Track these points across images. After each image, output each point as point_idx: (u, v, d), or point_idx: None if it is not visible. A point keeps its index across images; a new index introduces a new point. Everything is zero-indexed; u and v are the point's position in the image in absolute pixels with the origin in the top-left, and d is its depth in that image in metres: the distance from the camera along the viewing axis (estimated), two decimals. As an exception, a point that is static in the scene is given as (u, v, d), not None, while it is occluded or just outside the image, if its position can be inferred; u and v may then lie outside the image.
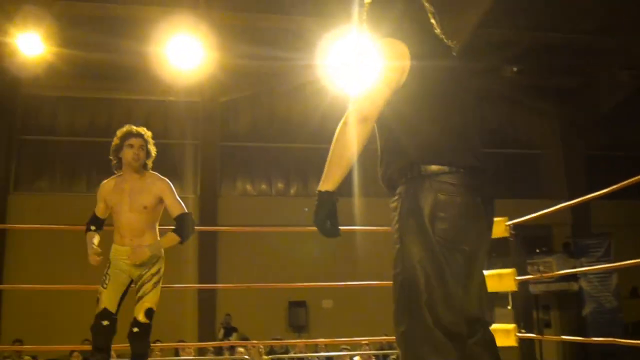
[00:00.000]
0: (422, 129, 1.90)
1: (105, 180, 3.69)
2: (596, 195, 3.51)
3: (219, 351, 8.78)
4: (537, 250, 11.01)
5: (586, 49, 10.65)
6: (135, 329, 3.24)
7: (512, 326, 3.76)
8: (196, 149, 11.83)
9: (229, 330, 10.54)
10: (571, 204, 4.25)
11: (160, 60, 9.54)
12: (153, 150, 3.62)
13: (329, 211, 1.92)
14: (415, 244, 1.82)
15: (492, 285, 3.92)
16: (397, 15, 2.06)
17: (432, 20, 2.08)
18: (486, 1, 8.71)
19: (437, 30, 2.08)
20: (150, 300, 3.31)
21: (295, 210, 11.33)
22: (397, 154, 1.94)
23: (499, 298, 4.36)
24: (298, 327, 11.14)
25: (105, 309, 3.30)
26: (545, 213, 4.03)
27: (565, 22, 9.81)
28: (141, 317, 3.26)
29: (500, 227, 3.84)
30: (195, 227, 3.77)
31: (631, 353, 8.61)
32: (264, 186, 12.22)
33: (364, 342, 8.59)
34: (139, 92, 11.69)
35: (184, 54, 9.35)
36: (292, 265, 10.63)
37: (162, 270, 3.46)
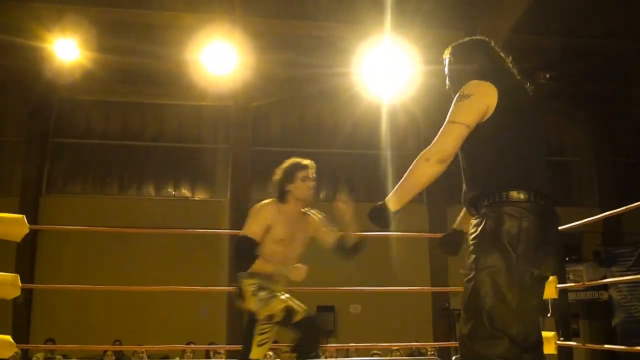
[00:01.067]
0: (508, 158, 2.09)
1: (264, 204, 3.43)
2: (632, 207, 3.50)
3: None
4: (567, 259, 10.93)
5: (619, 55, 10.55)
6: None
7: (552, 334, 3.76)
8: (228, 153, 11.97)
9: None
10: (608, 215, 4.22)
11: (194, 65, 9.69)
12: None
13: (384, 224, 2.26)
14: (491, 257, 1.98)
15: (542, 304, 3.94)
16: (480, 59, 2.33)
17: (510, 65, 2.36)
18: (520, 6, 8.68)
19: (515, 72, 2.35)
20: None
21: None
22: (483, 179, 2.12)
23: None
24: (327, 332, 11.17)
25: (288, 306, 3.27)
26: (583, 223, 4.02)
27: (598, 27, 9.75)
28: None
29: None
30: (236, 231, 3.79)
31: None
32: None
33: (395, 347, 8.59)
34: (172, 97, 11.87)
35: (218, 60, 9.48)
36: (319, 269, 10.66)
37: None
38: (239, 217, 11.39)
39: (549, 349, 3.78)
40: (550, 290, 3.78)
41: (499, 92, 2.11)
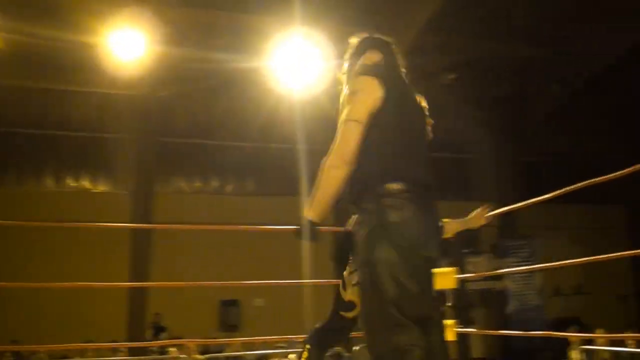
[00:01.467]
0: (384, 151, 2.18)
1: None
2: (526, 204, 3.74)
3: (143, 351, 8.32)
4: (466, 251, 11.45)
5: (521, 58, 11.11)
6: None
7: (452, 321, 3.92)
8: (132, 144, 11.54)
9: (158, 330, 10.35)
10: (505, 210, 4.47)
11: (101, 51, 9.25)
12: None
13: (312, 238, 2.22)
14: (383, 250, 2.04)
15: (435, 283, 4.09)
16: (372, 56, 2.39)
17: (399, 62, 2.45)
18: (428, 8, 8.94)
19: (403, 69, 2.45)
20: None
21: (231, 208, 11.31)
22: (362, 174, 2.18)
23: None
24: (230, 326, 11.08)
25: None
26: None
27: (502, 31, 10.23)
28: None
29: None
30: (127, 225, 3.61)
31: (553, 348, 9.16)
32: (199, 184, 12.09)
33: (300, 339, 8.63)
34: (76, 84, 11.26)
35: (125, 47, 9.11)
36: (224, 263, 10.58)
37: None
38: (141, 211, 11.10)
39: (449, 336, 3.94)
40: (450, 280, 3.94)
41: (384, 87, 2.19)
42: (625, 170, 2.96)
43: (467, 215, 4.08)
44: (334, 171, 2.15)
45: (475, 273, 10.67)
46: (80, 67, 10.08)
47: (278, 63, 9.17)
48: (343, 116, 2.20)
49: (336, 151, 2.16)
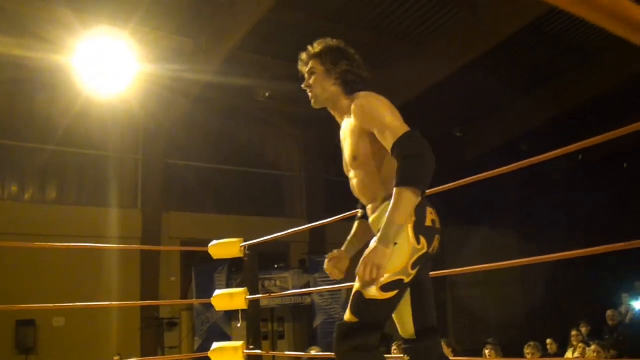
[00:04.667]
0: None
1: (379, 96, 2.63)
2: (334, 220, 3.90)
3: None
4: (276, 266, 11.69)
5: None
6: None
7: (240, 344, 3.90)
8: None
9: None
10: (313, 226, 4.60)
11: None
12: None
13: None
14: None
15: (224, 304, 4.04)
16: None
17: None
18: (245, 25, 8.99)
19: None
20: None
21: (29, 217, 10.33)
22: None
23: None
24: (26, 349, 10.02)
25: None
26: (286, 234, 4.34)
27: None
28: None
29: (236, 247, 3.97)
30: None
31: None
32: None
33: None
34: None
35: None
36: (19, 281, 9.62)
37: None
38: None
39: (237, 358, 3.90)
40: (240, 300, 3.92)
41: None
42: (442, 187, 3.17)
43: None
44: None
45: (283, 288, 11.01)
46: None
47: (87, 63, 8.59)
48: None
49: None
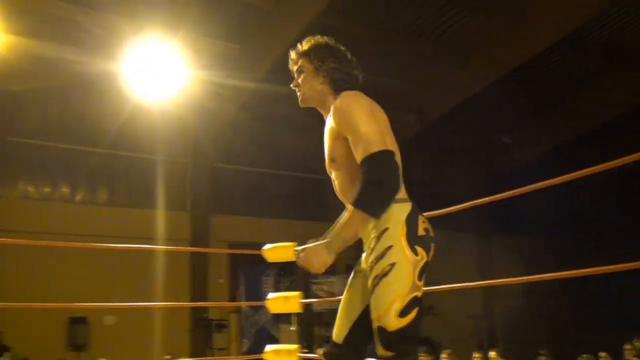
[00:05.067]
0: None
1: (363, 95, 2.49)
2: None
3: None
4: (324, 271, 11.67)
5: (379, 92, 11.60)
6: None
7: (294, 347, 3.92)
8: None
9: (0, 350, 9.45)
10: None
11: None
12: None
13: None
14: None
15: (279, 307, 4.07)
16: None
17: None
18: (295, 29, 9.06)
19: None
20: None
21: (79, 218, 10.60)
22: None
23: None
24: (78, 346, 10.30)
25: None
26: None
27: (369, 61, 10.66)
28: None
29: (290, 251, 3.99)
30: None
31: None
32: (47, 189, 11.16)
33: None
34: None
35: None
36: (72, 280, 9.89)
37: None
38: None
39: (292, 361, 3.92)
40: (295, 304, 3.94)
41: None
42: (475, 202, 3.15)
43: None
44: None
45: (331, 293, 10.96)
46: None
47: (138, 69, 8.81)
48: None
49: None
